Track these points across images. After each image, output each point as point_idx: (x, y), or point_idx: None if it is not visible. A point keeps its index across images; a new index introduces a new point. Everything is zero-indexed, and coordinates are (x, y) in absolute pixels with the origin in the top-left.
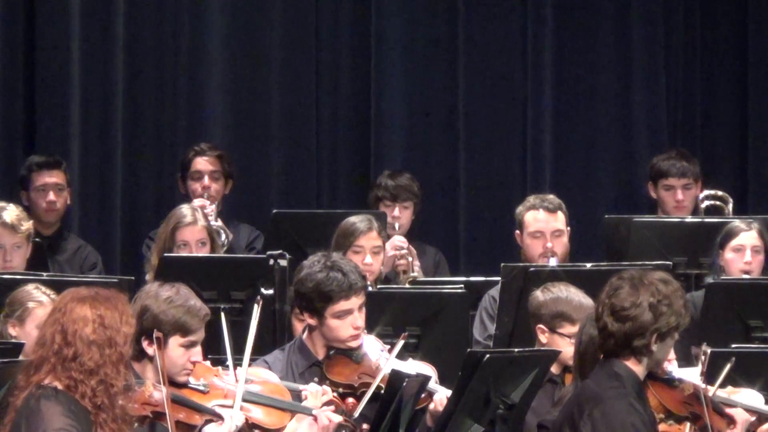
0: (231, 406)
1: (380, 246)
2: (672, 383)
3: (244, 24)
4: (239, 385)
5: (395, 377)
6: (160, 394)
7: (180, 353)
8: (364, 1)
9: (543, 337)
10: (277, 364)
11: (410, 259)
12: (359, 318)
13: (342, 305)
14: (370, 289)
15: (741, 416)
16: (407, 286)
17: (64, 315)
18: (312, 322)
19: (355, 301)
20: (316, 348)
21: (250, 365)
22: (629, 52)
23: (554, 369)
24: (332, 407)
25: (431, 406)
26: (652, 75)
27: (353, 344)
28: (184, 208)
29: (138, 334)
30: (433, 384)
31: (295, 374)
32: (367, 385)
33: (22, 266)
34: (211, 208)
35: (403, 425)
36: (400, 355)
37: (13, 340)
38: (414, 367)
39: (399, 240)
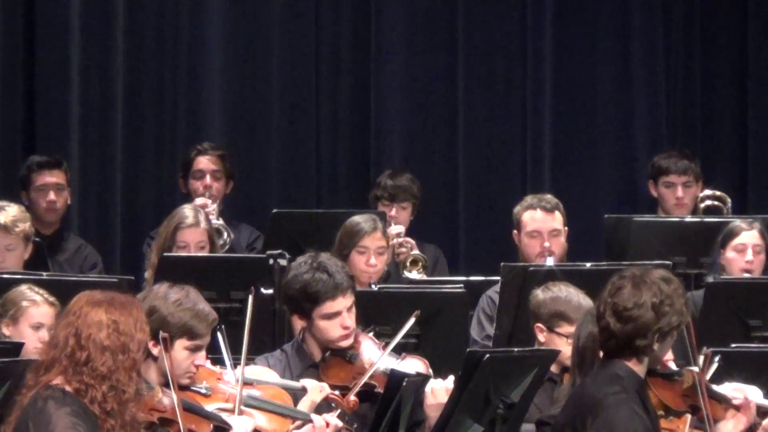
0: (232, 410)
1: (384, 246)
2: (671, 377)
3: (243, 24)
4: (239, 389)
5: (395, 377)
6: (169, 399)
7: (184, 356)
8: (364, 0)
9: (541, 336)
10: (278, 366)
11: (409, 246)
12: (347, 318)
13: (329, 306)
14: (374, 288)
15: (750, 398)
16: (414, 274)
17: (79, 318)
18: (301, 323)
19: (342, 302)
20: (312, 350)
21: (249, 364)
22: (629, 52)
23: (553, 368)
24: (335, 411)
25: (428, 397)
26: (652, 75)
27: (344, 344)
28: (186, 209)
29: None
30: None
31: (294, 376)
32: (362, 385)
33: (17, 267)
34: (213, 207)
35: (402, 426)
36: (397, 352)
37: (6, 340)
38: (407, 364)
39: (395, 228)
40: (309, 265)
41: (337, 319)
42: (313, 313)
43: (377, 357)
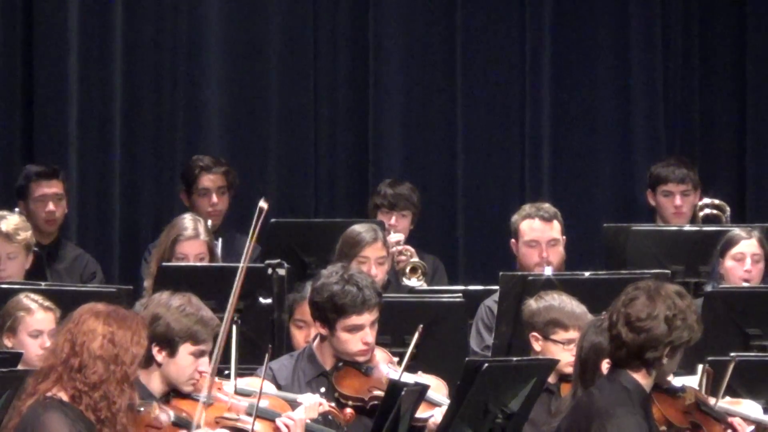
0: (236, 419)
1: (385, 257)
2: (675, 393)
3: (242, 34)
4: (231, 399)
5: (393, 386)
6: (166, 416)
7: (189, 361)
8: (362, 9)
9: (537, 345)
10: (282, 370)
11: (409, 254)
12: (370, 334)
13: (354, 320)
14: None
15: (746, 414)
16: (414, 281)
17: (77, 326)
18: (323, 331)
19: (368, 317)
20: (325, 358)
21: (254, 374)
22: (627, 60)
23: (550, 378)
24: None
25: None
26: (651, 83)
27: (361, 359)
28: (186, 220)
29: (149, 340)
30: (442, 398)
31: (302, 382)
32: (378, 398)
33: (19, 276)
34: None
35: None
36: (412, 369)
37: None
38: (424, 381)
39: (395, 236)
40: (340, 276)
41: (360, 333)
42: (337, 324)
43: (393, 372)
